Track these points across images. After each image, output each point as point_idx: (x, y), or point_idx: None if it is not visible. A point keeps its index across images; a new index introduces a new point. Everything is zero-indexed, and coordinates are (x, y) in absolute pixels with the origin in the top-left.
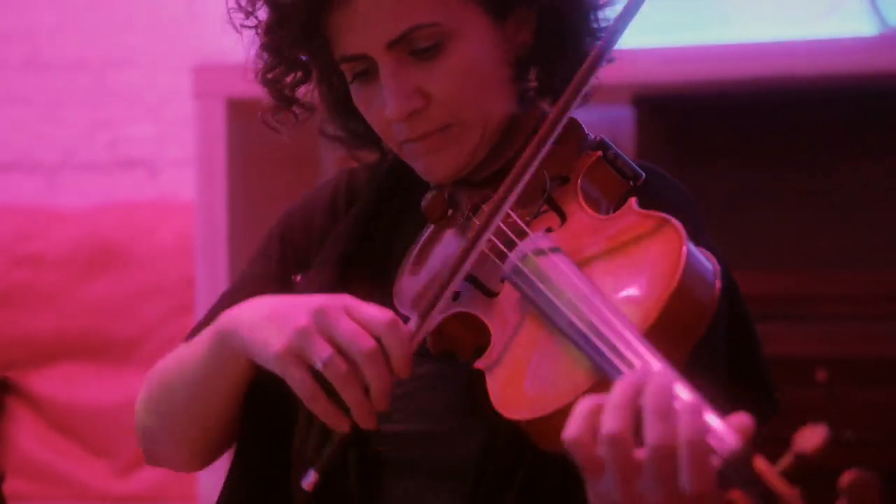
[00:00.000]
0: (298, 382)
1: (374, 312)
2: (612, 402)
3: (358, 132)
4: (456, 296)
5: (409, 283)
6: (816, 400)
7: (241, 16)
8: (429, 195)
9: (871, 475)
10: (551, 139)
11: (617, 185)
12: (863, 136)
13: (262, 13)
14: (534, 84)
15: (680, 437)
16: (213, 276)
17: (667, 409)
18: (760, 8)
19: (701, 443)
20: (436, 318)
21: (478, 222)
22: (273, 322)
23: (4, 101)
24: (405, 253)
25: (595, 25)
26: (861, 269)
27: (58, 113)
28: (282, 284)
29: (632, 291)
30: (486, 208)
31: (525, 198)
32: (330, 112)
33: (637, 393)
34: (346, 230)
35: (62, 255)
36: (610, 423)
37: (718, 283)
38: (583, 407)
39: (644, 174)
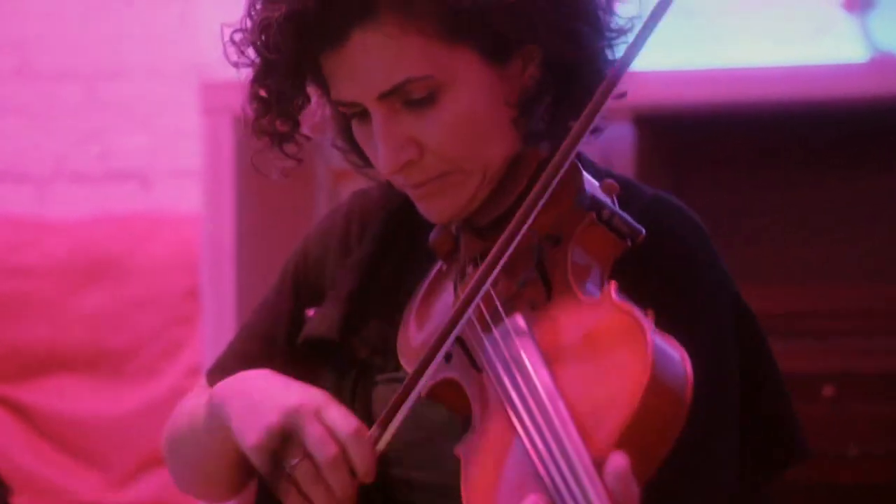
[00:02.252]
0: (269, 477)
1: (338, 419)
2: None
3: (363, 153)
4: (448, 357)
5: (412, 337)
6: (821, 416)
7: (236, 51)
8: (436, 230)
9: None
10: (545, 197)
11: (612, 246)
12: (859, 154)
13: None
14: (542, 121)
15: None
16: (218, 289)
17: None
18: (755, 30)
19: None
20: (424, 384)
21: (470, 281)
22: (252, 414)
23: None
24: (415, 287)
25: (607, 57)
26: (861, 285)
27: (48, 123)
28: (294, 322)
29: (597, 404)
30: (473, 274)
31: (517, 257)
32: (339, 132)
33: None
34: (355, 264)
35: (54, 266)
36: None
37: (689, 393)
38: None
39: (643, 231)
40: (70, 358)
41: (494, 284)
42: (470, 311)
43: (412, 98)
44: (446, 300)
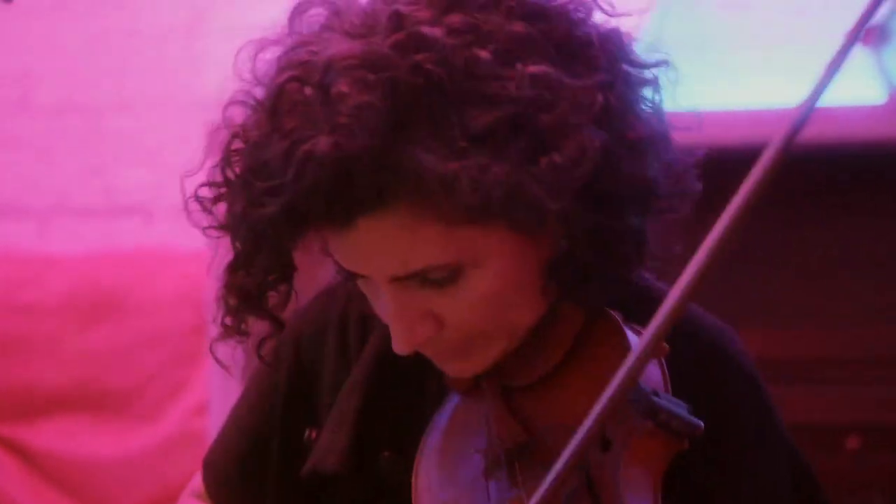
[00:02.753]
0: None
1: None
2: None
3: None
4: None
5: (435, 491)
6: (846, 467)
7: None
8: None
9: None
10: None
11: (668, 447)
12: (876, 196)
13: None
14: (576, 281)
15: None
16: None
17: None
18: (767, 65)
19: None
20: None
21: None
22: None
23: None
24: (426, 414)
25: (636, 228)
26: (887, 330)
27: (51, 157)
28: (286, 430)
29: None
30: (512, 476)
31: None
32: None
33: None
34: (358, 384)
35: (57, 303)
36: None
37: None
38: None
39: (701, 425)
40: (73, 397)
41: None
42: None
43: (431, 278)
44: (472, 463)
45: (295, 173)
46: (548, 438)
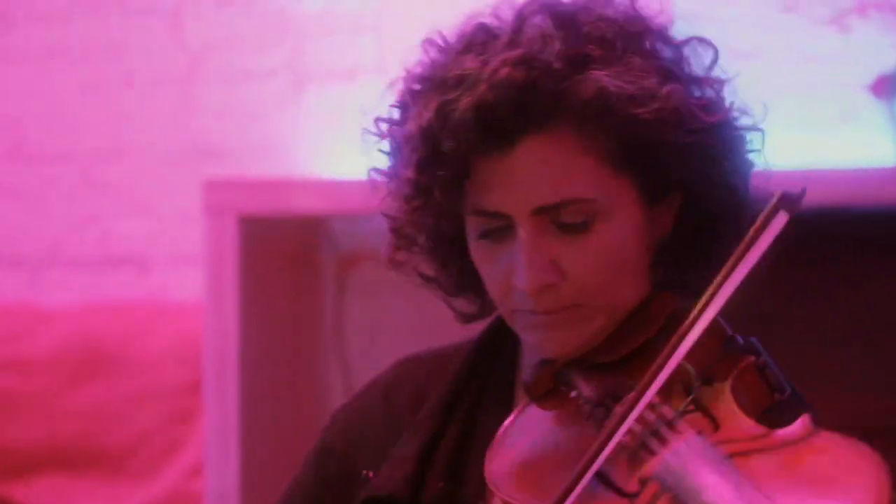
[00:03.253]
0: None
1: None
2: None
3: (462, 282)
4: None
5: (519, 474)
6: None
7: (379, 139)
8: (537, 370)
9: None
10: (697, 331)
11: (762, 396)
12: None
13: (408, 145)
14: (676, 270)
15: None
16: (221, 385)
17: None
18: (775, 117)
19: None
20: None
21: (619, 410)
22: None
23: None
24: (487, 437)
25: (737, 227)
26: None
27: (43, 206)
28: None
29: None
30: (627, 396)
31: (664, 394)
32: (434, 255)
33: None
34: (425, 420)
35: (49, 357)
36: None
37: None
38: None
39: (788, 388)
40: (65, 456)
41: (650, 411)
42: (628, 423)
43: (565, 221)
44: (560, 437)
45: (489, 76)
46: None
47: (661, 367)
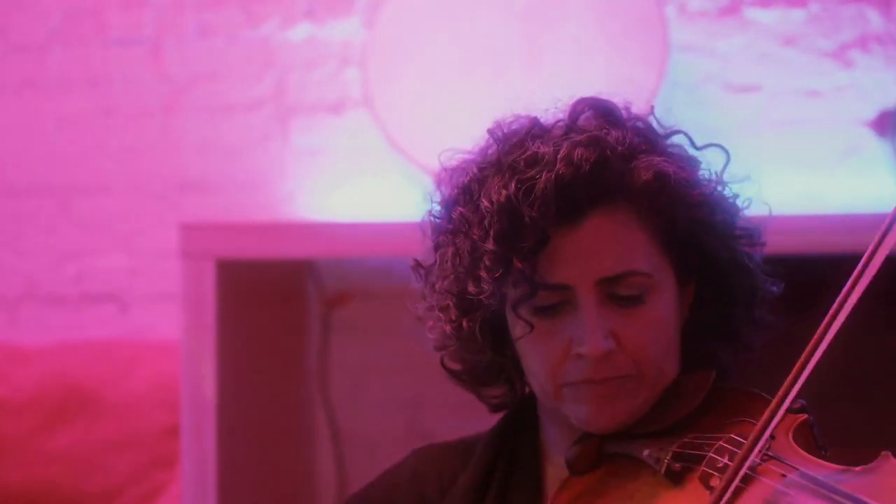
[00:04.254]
0: None
1: None
2: None
3: (494, 369)
4: None
5: None
6: None
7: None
8: (579, 446)
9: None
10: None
11: (814, 454)
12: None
13: (480, 222)
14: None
15: None
16: (199, 430)
17: None
18: (776, 154)
19: None
20: None
21: (729, 463)
22: None
23: None
24: None
25: (751, 310)
26: None
27: (18, 242)
28: None
29: None
30: (726, 445)
31: (735, 446)
32: (467, 345)
33: None
34: (463, 495)
35: (25, 399)
36: None
37: None
38: None
39: (827, 451)
40: (42, 501)
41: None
42: (742, 471)
43: (621, 294)
44: (620, 497)
45: (564, 155)
46: None
47: (770, 418)
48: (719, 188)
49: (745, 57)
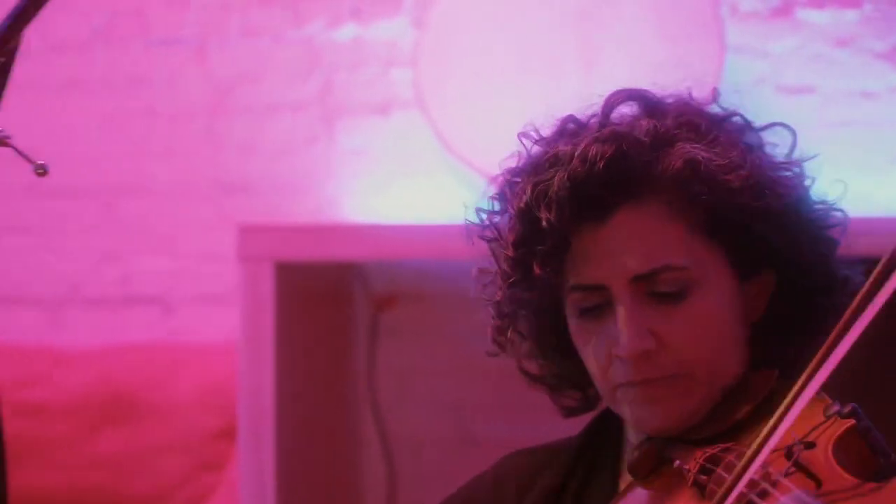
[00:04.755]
0: None
1: None
2: None
3: (565, 374)
4: None
5: None
6: None
7: (482, 223)
8: (639, 450)
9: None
10: (801, 403)
11: (867, 460)
12: None
13: (507, 228)
14: (766, 351)
15: None
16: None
17: None
18: (830, 154)
19: None
20: None
21: (726, 475)
22: None
23: (5, 231)
24: None
25: (832, 303)
26: None
27: (63, 243)
28: None
29: None
30: (734, 460)
31: (767, 459)
32: (538, 350)
33: None
34: None
35: (69, 402)
36: None
37: None
38: None
39: (892, 454)
40: None
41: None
42: (741, 485)
43: (661, 290)
44: None
45: (580, 153)
46: None
47: (769, 434)
48: (781, 172)
49: (798, 58)
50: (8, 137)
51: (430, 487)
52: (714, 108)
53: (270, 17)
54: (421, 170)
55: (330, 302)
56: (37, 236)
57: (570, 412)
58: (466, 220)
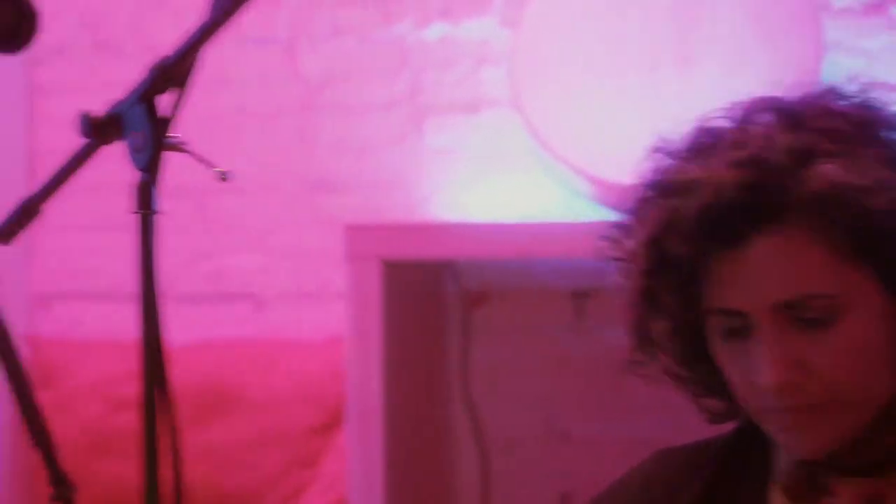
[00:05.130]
0: None
1: None
2: None
3: (708, 382)
4: None
5: None
6: None
7: (615, 248)
8: (793, 473)
9: None
10: None
11: None
12: None
13: (636, 254)
14: None
15: None
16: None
17: None
18: None
19: None
20: None
21: None
22: None
23: (104, 229)
24: None
25: None
26: None
27: (157, 241)
28: None
29: None
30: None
31: None
32: (680, 358)
33: None
34: None
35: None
36: None
37: None
38: None
39: None
40: (184, 500)
41: None
42: None
43: (807, 316)
44: None
45: (713, 181)
46: None
47: None
48: None
49: (893, 55)
50: (184, 144)
51: (523, 482)
52: (852, 103)
53: (360, 16)
54: (511, 168)
55: (426, 299)
56: (129, 234)
57: (714, 419)
58: (599, 237)
